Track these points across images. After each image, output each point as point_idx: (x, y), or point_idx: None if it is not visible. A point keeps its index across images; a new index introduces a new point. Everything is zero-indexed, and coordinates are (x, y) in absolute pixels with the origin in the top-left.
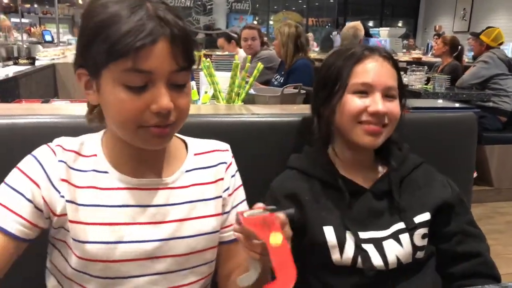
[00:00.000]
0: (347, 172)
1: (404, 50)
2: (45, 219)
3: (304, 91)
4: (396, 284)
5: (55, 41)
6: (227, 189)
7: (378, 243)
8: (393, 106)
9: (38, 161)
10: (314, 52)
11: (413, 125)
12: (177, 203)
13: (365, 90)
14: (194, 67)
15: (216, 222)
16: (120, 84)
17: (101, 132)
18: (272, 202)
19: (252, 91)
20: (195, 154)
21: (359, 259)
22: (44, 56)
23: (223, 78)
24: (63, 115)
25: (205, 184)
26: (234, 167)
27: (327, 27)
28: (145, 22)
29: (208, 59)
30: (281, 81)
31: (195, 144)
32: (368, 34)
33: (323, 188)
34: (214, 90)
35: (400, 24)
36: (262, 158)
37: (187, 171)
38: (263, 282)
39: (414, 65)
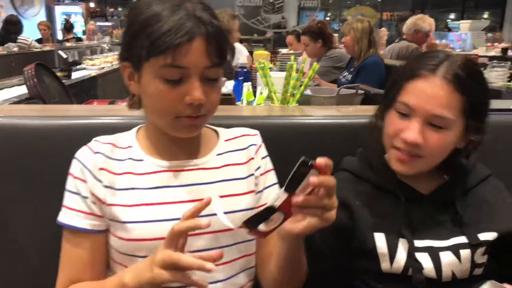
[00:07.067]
0: (405, 177)
1: (489, 44)
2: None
3: (363, 92)
4: None
5: None
6: (259, 168)
7: (434, 253)
8: (436, 138)
9: (79, 160)
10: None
11: (492, 129)
12: (210, 182)
13: (407, 113)
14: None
15: (250, 200)
16: (159, 77)
17: (135, 129)
18: None
19: (308, 92)
20: (226, 140)
21: (411, 269)
22: (92, 65)
23: (279, 79)
24: (123, 116)
25: (237, 165)
26: (264, 150)
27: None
28: (184, 22)
29: (263, 61)
30: (349, 78)
31: (226, 132)
32: (446, 28)
33: (377, 193)
34: (269, 91)
35: (485, 16)
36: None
37: (218, 154)
38: None
39: (495, 61)
